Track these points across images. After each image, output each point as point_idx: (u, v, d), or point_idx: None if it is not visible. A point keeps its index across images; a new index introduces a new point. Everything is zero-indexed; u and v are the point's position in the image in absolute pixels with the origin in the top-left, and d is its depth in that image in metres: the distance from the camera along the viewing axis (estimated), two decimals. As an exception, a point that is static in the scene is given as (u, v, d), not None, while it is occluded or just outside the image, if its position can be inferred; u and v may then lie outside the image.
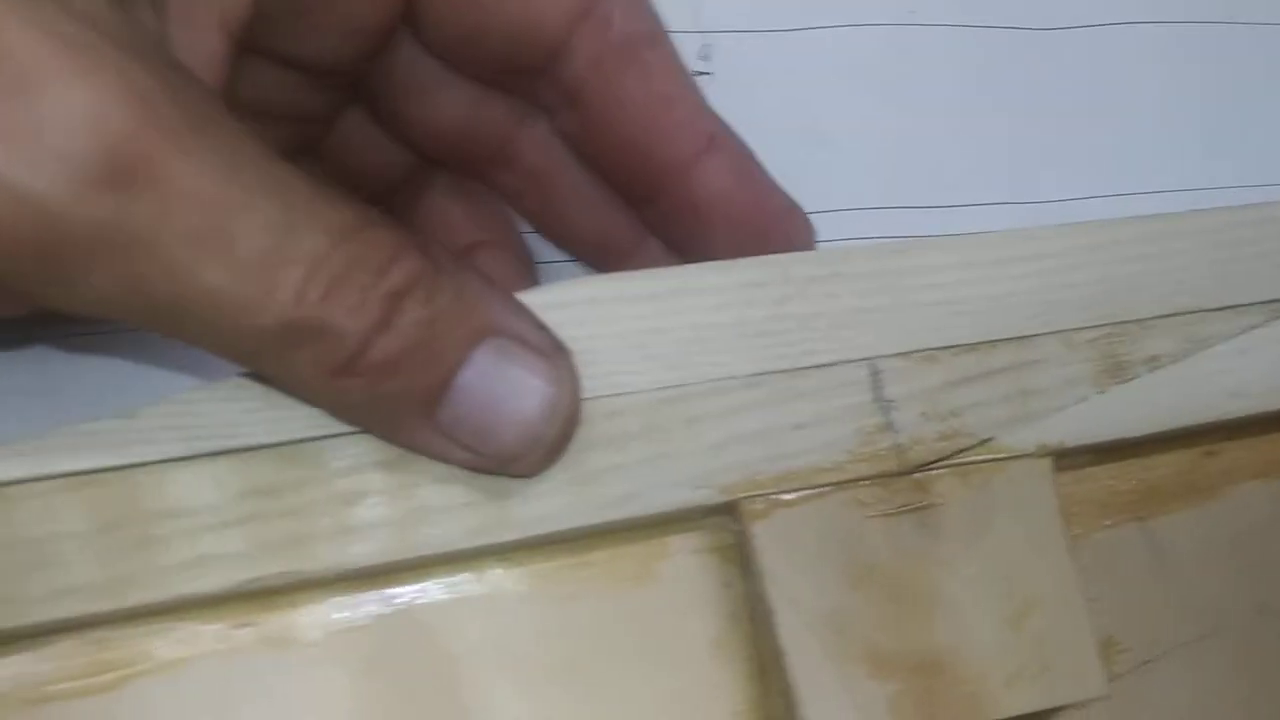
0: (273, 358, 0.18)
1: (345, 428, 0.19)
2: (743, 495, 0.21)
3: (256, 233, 0.17)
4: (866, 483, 0.22)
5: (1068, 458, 0.24)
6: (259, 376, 0.19)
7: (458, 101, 0.25)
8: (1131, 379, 0.23)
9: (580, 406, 0.20)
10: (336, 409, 0.19)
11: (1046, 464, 0.23)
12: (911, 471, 0.22)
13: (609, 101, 0.24)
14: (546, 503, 0.20)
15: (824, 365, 0.22)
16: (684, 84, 0.25)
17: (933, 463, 0.22)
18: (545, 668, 0.21)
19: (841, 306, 0.22)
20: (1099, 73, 0.34)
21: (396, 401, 0.18)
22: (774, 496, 0.21)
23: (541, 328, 0.19)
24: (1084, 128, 0.34)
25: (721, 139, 0.25)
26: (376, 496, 0.20)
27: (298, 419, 0.19)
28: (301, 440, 0.19)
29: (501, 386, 0.19)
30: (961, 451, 0.22)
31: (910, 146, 0.33)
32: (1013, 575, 0.22)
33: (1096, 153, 0.34)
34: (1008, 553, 0.22)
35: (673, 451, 0.21)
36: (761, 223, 0.25)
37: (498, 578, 0.21)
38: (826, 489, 0.21)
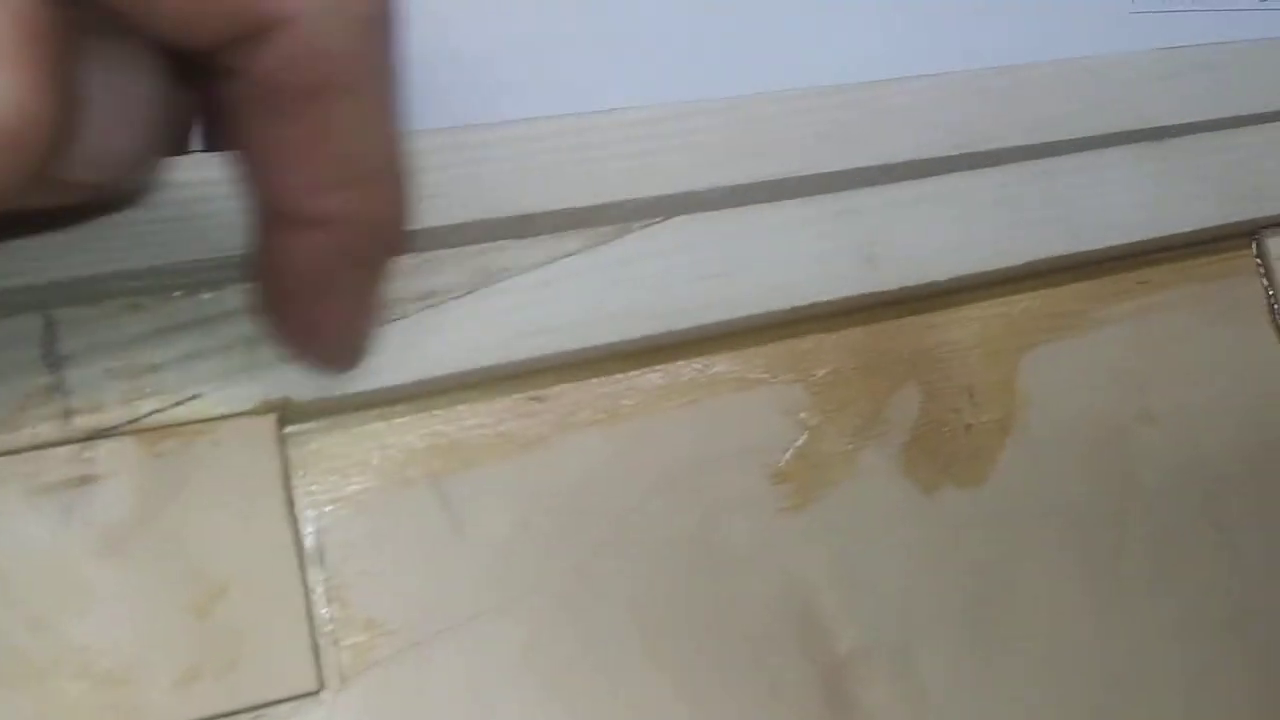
0: None
1: None
2: None
3: None
4: (18, 456, 0.18)
5: (333, 414, 0.20)
6: None
7: None
8: (398, 319, 0.20)
9: None
10: None
11: (268, 422, 0.19)
12: (81, 440, 0.18)
13: None
14: None
15: (-13, 319, 0.18)
16: None
17: (112, 428, 0.19)
18: None
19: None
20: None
21: None
22: (-119, 479, 0.18)
23: None
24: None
25: None
26: None
27: None
28: None
29: None
30: (155, 413, 0.19)
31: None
32: (205, 555, 0.19)
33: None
34: (200, 529, 0.19)
35: None
36: None
37: None
38: (-41, 466, 0.18)
